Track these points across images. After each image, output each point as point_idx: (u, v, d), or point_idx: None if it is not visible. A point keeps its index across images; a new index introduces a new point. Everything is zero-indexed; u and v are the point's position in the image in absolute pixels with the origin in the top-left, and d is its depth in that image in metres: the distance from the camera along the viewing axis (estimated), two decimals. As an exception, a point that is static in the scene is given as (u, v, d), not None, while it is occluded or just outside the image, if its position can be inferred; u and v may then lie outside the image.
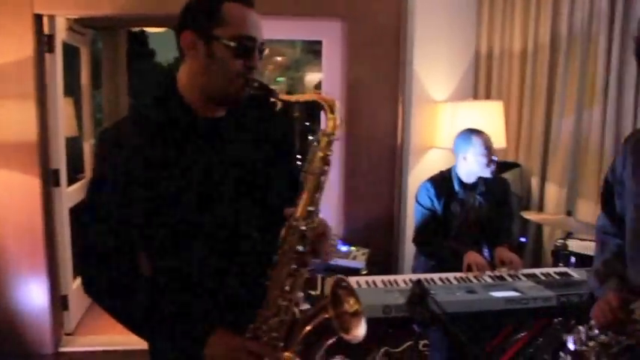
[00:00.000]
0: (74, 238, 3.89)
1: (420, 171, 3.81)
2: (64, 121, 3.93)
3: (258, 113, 1.54)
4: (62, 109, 3.88)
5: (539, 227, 3.85)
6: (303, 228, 1.38)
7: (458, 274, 2.79)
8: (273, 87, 1.43)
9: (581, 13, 3.55)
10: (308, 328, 1.40)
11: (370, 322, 2.33)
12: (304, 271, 1.41)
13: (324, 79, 3.97)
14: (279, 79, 7.18)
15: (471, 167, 3.04)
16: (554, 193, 3.73)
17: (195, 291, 1.44)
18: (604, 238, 1.95)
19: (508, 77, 3.89)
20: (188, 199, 1.39)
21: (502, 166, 3.48)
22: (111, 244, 1.39)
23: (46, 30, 3.60)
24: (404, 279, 2.73)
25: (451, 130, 3.61)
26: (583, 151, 3.65)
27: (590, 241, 3.35)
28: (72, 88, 4.54)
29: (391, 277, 2.75)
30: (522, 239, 3.83)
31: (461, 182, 3.09)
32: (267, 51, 1.45)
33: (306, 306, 2.80)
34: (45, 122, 3.64)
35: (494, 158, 3.01)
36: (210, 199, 1.42)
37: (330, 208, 3.88)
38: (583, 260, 3.09)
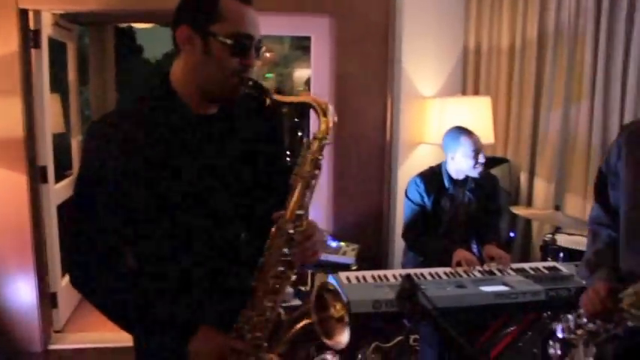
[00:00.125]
0: (62, 235, 3.86)
1: (409, 166, 3.82)
2: (50, 118, 3.90)
3: (248, 110, 1.53)
4: (49, 105, 3.85)
5: (527, 222, 3.88)
6: (291, 231, 1.38)
7: (447, 269, 2.81)
8: (262, 83, 1.42)
9: (568, 9, 3.56)
10: (292, 330, 1.40)
11: (360, 317, 2.36)
12: (291, 273, 1.41)
13: (312, 75, 3.96)
14: (267, 75, 7.16)
15: (459, 167, 3.05)
16: (542, 188, 3.75)
17: (181, 289, 1.44)
18: (596, 228, 1.98)
19: (496, 73, 3.91)
20: (177, 195, 1.38)
21: (491, 162, 3.50)
22: (99, 239, 1.39)
23: (31, 25, 3.56)
24: (394, 274, 2.74)
25: (440, 125, 3.62)
26: (571, 146, 3.68)
27: (578, 235, 3.38)
28: (59, 84, 4.51)
29: (381, 272, 2.76)
30: (511, 234, 3.85)
31: (451, 178, 3.10)
32: (264, 49, 1.44)
33: (295, 301, 2.81)
34: (32, 118, 3.60)
35: (482, 160, 3.02)
36: (199, 197, 1.41)
37: (319, 204, 3.88)
38: (571, 255, 3.11)
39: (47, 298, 3.84)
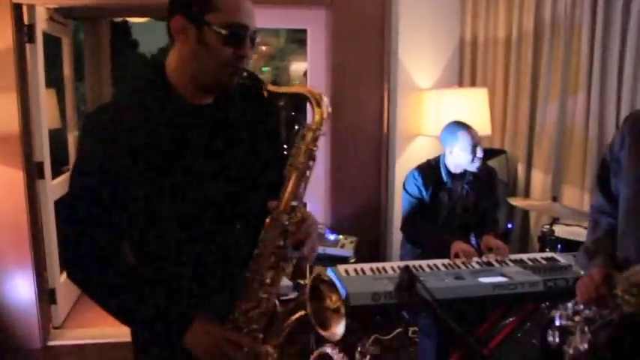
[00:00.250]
0: (59, 230, 3.85)
1: (407, 159, 3.82)
2: (46, 113, 3.89)
3: (245, 102, 1.52)
4: (44, 100, 3.83)
5: (525, 213, 3.89)
6: (286, 222, 1.37)
7: (446, 261, 2.81)
8: (256, 74, 1.41)
9: (564, 0, 3.56)
10: (287, 322, 1.40)
11: (359, 310, 2.36)
12: (285, 264, 1.40)
13: (309, 67, 3.95)
14: (264, 68, 7.14)
15: (458, 161, 3.05)
16: (540, 180, 3.76)
17: (177, 280, 1.44)
18: (598, 216, 2.00)
19: (493, 64, 3.91)
20: (171, 186, 1.38)
21: (488, 153, 3.50)
22: (94, 231, 1.38)
23: (25, 20, 3.54)
24: (392, 266, 2.74)
25: (437, 117, 3.62)
26: (568, 137, 3.68)
27: (576, 226, 3.40)
28: (54, 80, 4.48)
29: (379, 265, 2.76)
30: (509, 225, 3.86)
31: (448, 172, 3.10)
32: (258, 39, 1.43)
33: (294, 294, 2.80)
34: (27, 114, 3.59)
35: (480, 155, 3.02)
36: (194, 187, 1.41)
37: (317, 196, 3.88)
38: (569, 245, 3.12)
39: (46, 294, 3.84)
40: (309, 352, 2.38)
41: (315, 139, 1.39)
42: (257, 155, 1.51)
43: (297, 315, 1.38)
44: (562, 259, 2.84)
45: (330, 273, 2.62)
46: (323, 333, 1.35)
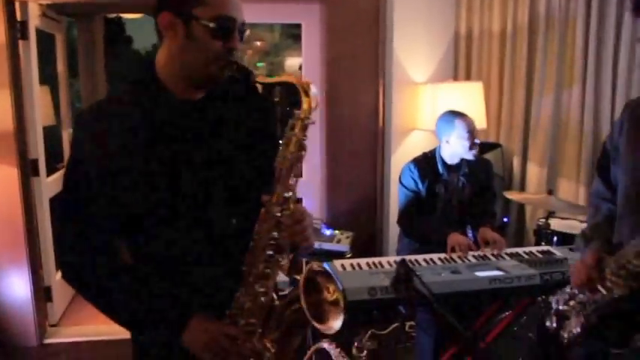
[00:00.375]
0: (54, 229, 3.84)
1: (402, 153, 3.81)
2: (40, 110, 3.87)
3: (238, 97, 1.51)
4: (39, 97, 3.81)
5: (521, 207, 3.89)
6: (279, 214, 1.37)
7: (442, 255, 2.81)
8: (245, 65, 1.40)
9: (558, -7, 3.56)
10: (284, 316, 1.40)
11: (356, 305, 2.36)
12: (281, 257, 1.40)
13: (304, 62, 3.94)
14: (259, 63, 7.12)
15: (455, 150, 3.05)
16: (535, 173, 3.76)
17: (173, 277, 1.43)
18: (598, 202, 2.02)
19: (488, 58, 3.91)
20: (165, 182, 1.38)
21: (483, 147, 3.50)
22: (89, 230, 1.38)
23: (18, 16, 3.52)
24: (388, 261, 2.74)
25: (432, 111, 3.62)
26: (563, 130, 3.68)
27: (571, 219, 3.40)
28: (48, 77, 4.46)
29: (376, 260, 2.75)
30: (505, 219, 3.87)
31: (444, 164, 3.10)
32: (248, 32, 1.42)
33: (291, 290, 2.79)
34: (21, 111, 3.57)
35: (477, 141, 3.02)
36: (187, 183, 1.40)
37: (313, 192, 3.88)
38: (565, 238, 3.12)
39: (42, 292, 3.83)
40: (307, 347, 2.38)
41: (304, 129, 1.38)
42: (251, 150, 1.50)
43: (293, 308, 1.38)
44: (558, 252, 2.85)
45: (326, 267, 2.62)
46: (319, 326, 1.34)
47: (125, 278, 1.41)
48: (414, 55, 3.89)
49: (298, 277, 1.39)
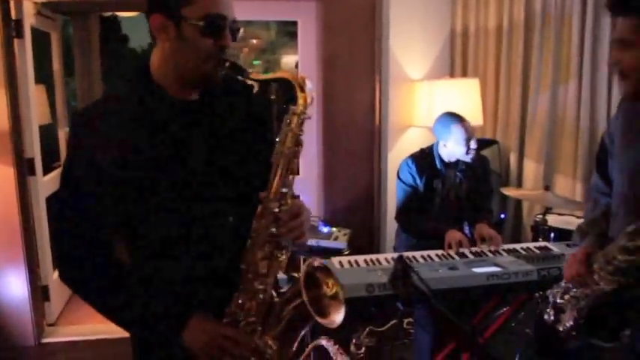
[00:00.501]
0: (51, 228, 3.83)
1: (399, 150, 3.82)
2: (36, 109, 3.86)
3: (234, 96, 1.51)
4: (34, 96, 3.80)
5: (518, 203, 3.90)
6: (276, 210, 1.37)
7: (440, 252, 2.81)
8: (239, 63, 1.40)
9: (554, -11, 3.56)
10: (285, 312, 1.40)
11: (354, 302, 2.36)
12: (280, 253, 1.40)
13: (300, 59, 3.94)
14: (255, 61, 7.12)
15: (452, 152, 3.06)
16: (532, 169, 3.77)
17: (171, 277, 1.43)
18: (597, 196, 2.03)
19: (484, 55, 3.91)
20: (162, 182, 1.37)
21: (480, 144, 3.50)
22: (86, 230, 1.37)
23: (13, 15, 3.50)
24: (386, 257, 2.74)
25: (429, 108, 3.62)
26: (559, 126, 3.69)
27: (568, 215, 3.41)
28: (44, 75, 4.45)
29: (373, 256, 2.75)
30: (502, 215, 3.87)
31: (442, 160, 3.11)
32: (241, 30, 1.42)
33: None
34: (17, 110, 3.55)
35: (474, 147, 3.02)
36: (184, 183, 1.40)
37: (310, 189, 3.88)
38: (562, 234, 3.13)
39: (39, 292, 3.82)
40: (305, 344, 2.38)
41: (300, 124, 1.38)
42: (247, 148, 1.50)
43: (294, 304, 1.38)
44: (555, 248, 2.85)
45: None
46: (321, 320, 1.35)
47: (123, 278, 1.41)
48: (410, 52, 3.89)
49: (296, 275, 1.39)
